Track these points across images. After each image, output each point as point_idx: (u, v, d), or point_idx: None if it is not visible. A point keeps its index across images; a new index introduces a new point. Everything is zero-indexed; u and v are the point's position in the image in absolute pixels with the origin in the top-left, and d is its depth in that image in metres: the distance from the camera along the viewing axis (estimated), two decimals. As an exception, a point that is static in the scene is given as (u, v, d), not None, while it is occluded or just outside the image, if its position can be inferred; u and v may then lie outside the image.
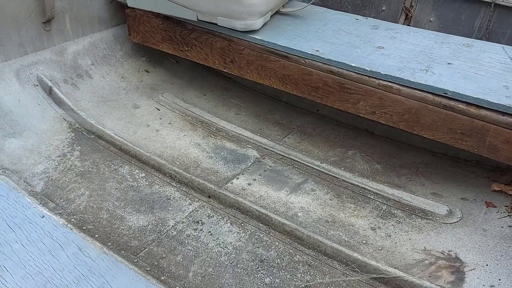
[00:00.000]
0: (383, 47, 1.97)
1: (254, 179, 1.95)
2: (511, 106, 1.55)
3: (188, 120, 2.30)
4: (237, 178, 1.95)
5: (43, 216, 0.99)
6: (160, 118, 2.30)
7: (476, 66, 1.82)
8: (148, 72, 2.58)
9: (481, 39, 2.60)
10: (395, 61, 1.85)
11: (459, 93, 1.63)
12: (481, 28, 2.63)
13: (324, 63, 1.89)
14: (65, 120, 2.13)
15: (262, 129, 2.30)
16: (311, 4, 2.23)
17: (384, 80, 1.79)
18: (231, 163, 2.05)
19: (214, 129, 2.26)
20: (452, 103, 1.66)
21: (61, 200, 1.75)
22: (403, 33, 2.11)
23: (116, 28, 2.50)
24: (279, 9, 2.22)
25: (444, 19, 2.72)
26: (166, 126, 2.25)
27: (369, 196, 1.87)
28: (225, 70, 2.22)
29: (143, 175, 1.93)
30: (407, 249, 1.62)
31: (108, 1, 2.40)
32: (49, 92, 2.15)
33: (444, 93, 1.66)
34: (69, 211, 1.69)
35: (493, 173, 1.96)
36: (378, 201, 1.85)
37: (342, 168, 2.02)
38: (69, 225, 1.03)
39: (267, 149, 2.14)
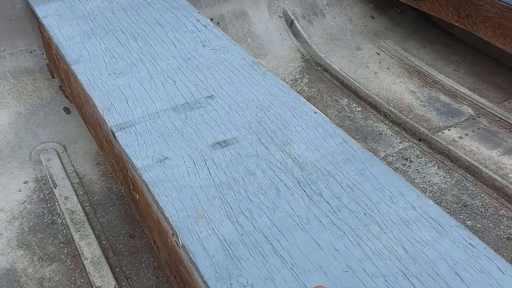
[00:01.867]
0: None
1: (466, 134, 2.00)
2: None
3: (405, 68, 2.41)
4: (449, 130, 2.03)
5: (315, 112, 1.27)
6: (379, 62, 2.46)
7: None
8: (373, 18, 2.73)
9: None
10: None
11: None
12: None
13: None
14: (299, 51, 2.46)
15: (480, 89, 2.28)
16: None
17: None
18: (444, 115, 2.12)
19: (430, 80, 2.33)
20: None
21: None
22: None
23: (353, -28, 2.69)
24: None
25: None
26: (384, 70, 2.40)
27: None
28: (456, 24, 2.23)
29: (359, 109, 2.15)
30: None
31: None
32: (290, 24, 2.49)
33: None
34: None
35: None
36: None
37: None
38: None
39: (483, 108, 2.13)
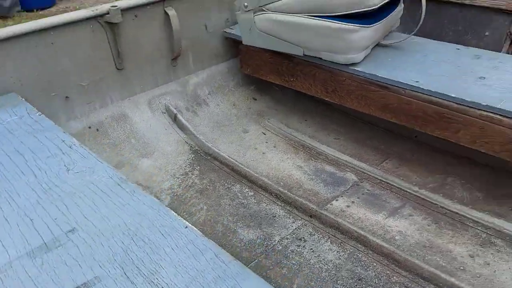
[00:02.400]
0: (484, 78, 2.00)
1: (353, 202, 2.09)
2: None
3: (291, 144, 2.52)
4: (337, 200, 2.11)
5: (186, 227, 1.25)
6: (266, 142, 2.54)
7: None
8: (256, 99, 2.86)
9: None
10: (497, 92, 1.88)
11: None
12: None
13: (423, 94, 1.98)
14: (187, 143, 2.47)
15: (360, 154, 2.43)
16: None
17: (485, 111, 1.83)
18: (331, 185, 2.21)
19: (314, 152, 2.44)
20: (558, 135, 1.66)
21: (184, 213, 2.05)
22: (507, 62, 2.11)
23: (229, 61, 2.83)
24: (379, 42, 2.35)
25: (555, 43, 2.62)
26: (271, 149, 2.48)
27: (468, 223, 1.91)
28: (326, 99, 2.40)
29: (252, 193, 2.17)
30: (506, 278, 1.64)
31: (224, 38, 2.73)
32: (174, 118, 2.52)
33: (550, 126, 1.67)
34: (191, 223, 1.98)
35: None
36: (478, 229, 1.88)
37: (441, 195, 2.07)
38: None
39: (365, 173, 2.26)
